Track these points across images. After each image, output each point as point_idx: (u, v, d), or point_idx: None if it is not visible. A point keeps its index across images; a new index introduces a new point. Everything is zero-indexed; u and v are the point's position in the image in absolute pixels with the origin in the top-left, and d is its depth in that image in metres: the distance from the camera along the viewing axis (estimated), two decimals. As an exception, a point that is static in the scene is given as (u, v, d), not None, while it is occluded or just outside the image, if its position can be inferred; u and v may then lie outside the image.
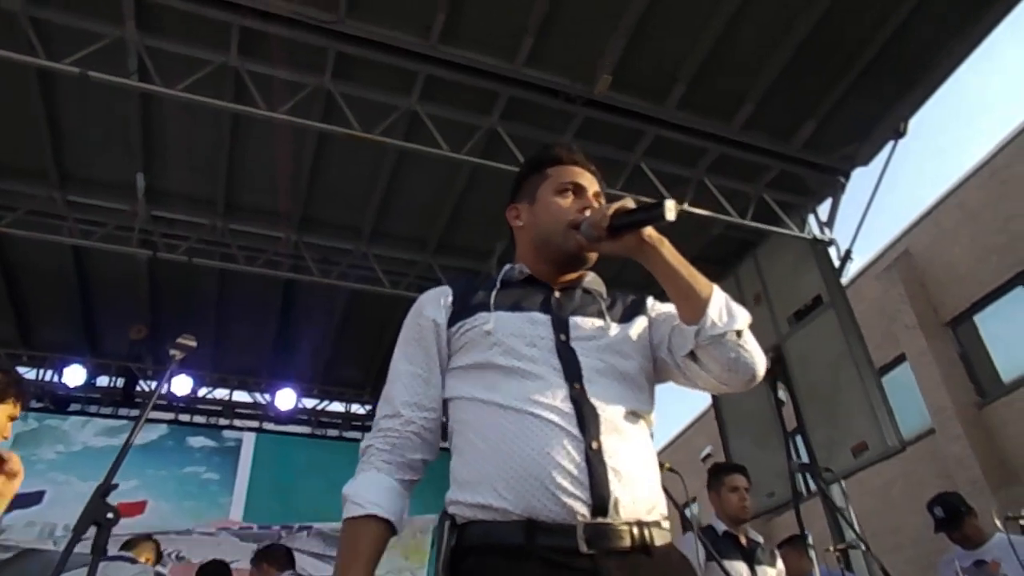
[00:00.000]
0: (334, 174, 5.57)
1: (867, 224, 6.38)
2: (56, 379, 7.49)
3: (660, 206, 1.17)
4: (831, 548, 4.01)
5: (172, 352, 2.38)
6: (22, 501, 6.56)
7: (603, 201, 1.40)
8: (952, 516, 3.70)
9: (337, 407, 8.84)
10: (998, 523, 3.42)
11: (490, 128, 5.12)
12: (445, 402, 1.29)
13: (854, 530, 3.66)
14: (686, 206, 5.41)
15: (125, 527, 6.50)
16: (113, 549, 3.85)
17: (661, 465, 2.56)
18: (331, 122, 4.78)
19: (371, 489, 1.20)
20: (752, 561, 3.08)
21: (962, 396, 9.16)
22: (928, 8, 4.59)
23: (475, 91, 4.91)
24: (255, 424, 8.25)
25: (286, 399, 7.93)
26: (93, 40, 4.24)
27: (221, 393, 8.42)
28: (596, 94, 4.89)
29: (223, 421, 8.17)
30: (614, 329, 1.29)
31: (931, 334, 9.60)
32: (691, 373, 1.25)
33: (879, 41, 4.79)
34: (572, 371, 1.20)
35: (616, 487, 1.08)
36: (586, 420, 1.13)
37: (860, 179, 8.84)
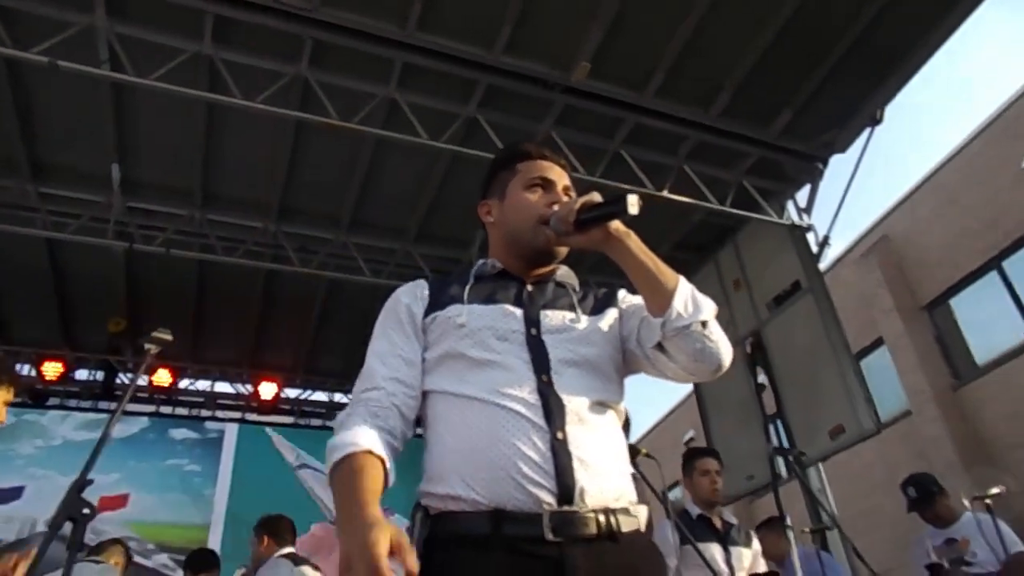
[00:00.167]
0: (312, 163, 5.51)
1: (845, 210, 6.44)
2: (33, 373, 7.39)
3: (623, 201, 1.20)
4: (806, 529, 4.10)
5: (147, 346, 2.38)
6: (1, 497, 6.50)
7: (573, 195, 1.41)
8: (924, 496, 3.78)
9: (320, 396, 8.84)
10: (966, 503, 3.52)
11: (469, 116, 5.09)
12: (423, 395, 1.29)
13: (827, 512, 3.75)
14: (666, 193, 5.44)
15: (108, 520, 6.51)
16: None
17: (638, 451, 2.61)
18: (309, 111, 4.72)
19: (361, 436, 1.12)
20: (726, 543, 3.14)
21: (938, 379, 9.32)
22: (903, -5, 4.62)
23: (454, 79, 4.88)
24: (237, 415, 8.21)
25: (268, 389, 7.91)
26: (62, 28, 4.15)
27: (203, 384, 8.37)
28: (574, 81, 4.87)
29: (205, 412, 8.13)
30: (584, 321, 1.32)
31: (908, 318, 9.74)
32: (659, 364, 1.27)
33: (856, 29, 4.82)
34: (541, 363, 1.22)
35: (582, 475, 1.10)
36: (552, 411, 1.15)
37: (838, 166, 8.92)
